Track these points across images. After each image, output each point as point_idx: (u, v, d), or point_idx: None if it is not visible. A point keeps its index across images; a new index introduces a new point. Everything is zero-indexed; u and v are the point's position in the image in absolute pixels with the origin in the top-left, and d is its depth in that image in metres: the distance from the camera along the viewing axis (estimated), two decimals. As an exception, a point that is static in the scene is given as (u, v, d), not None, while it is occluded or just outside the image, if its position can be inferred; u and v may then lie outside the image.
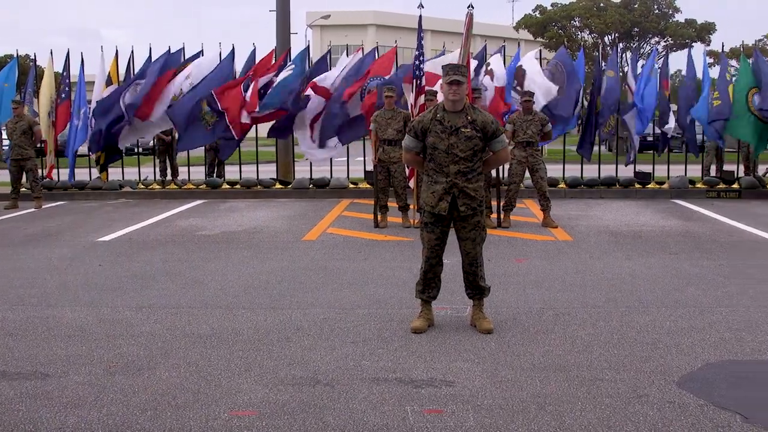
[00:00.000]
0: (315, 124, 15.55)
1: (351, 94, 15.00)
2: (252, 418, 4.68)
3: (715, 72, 17.74)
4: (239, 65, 16.74)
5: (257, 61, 16.49)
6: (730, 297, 7.56)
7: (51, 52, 17.36)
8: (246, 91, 15.44)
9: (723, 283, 8.13)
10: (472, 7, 11.81)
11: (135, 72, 16.98)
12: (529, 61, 15.71)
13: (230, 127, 15.52)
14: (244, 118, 15.49)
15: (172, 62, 16.54)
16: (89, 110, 16.35)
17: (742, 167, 17.57)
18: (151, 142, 18.56)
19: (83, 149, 17.33)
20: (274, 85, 15.58)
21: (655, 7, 42.54)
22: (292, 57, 16.70)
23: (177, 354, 5.95)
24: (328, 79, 15.53)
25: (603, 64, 16.88)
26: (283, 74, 15.61)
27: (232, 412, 4.78)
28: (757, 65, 15.49)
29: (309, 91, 15.36)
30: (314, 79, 15.45)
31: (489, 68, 15.28)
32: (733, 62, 16.76)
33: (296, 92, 15.44)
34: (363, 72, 15.42)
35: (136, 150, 17.51)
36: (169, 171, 18.48)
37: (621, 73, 17.63)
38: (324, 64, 16.59)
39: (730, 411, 4.69)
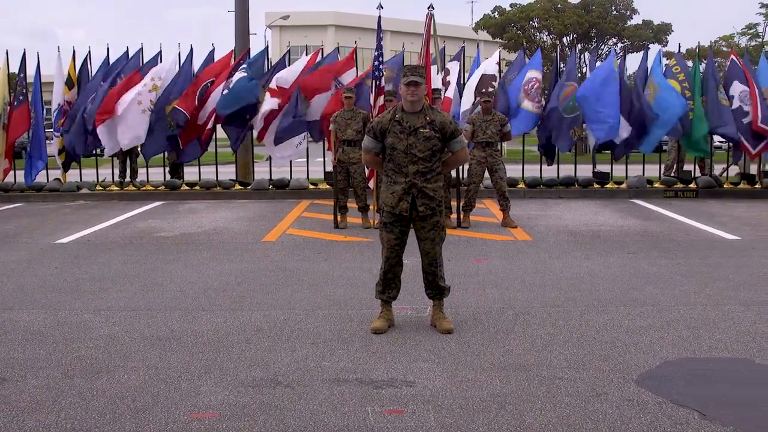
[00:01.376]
0: (270, 125, 15.45)
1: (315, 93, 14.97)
2: (212, 421, 4.65)
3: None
4: (197, 65, 16.63)
5: (216, 61, 16.43)
6: (687, 295, 7.65)
7: (7, 53, 17.15)
8: (201, 96, 15.45)
9: (681, 282, 8.23)
10: (432, 8, 11.88)
11: (92, 73, 16.83)
12: (490, 65, 15.77)
13: (178, 136, 15.55)
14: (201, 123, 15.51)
15: (131, 67, 16.44)
16: (44, 112, 16.18)
17: (698, 167, 17.76)
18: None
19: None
20: (225, 92, 15.46)
21: (613, 8, 42.84)
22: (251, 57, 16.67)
23: (136, 357, 5.89)
24: (286, 79, 15.45)
25: (561, 65, 16.95)
26: (236, 78, 15.46)
27: (192, 415, 4.75)
28: (708, 69, 15.75)
29: (266, 97, 15.30)
30: (271, 84, 15.38)
31: (447, 78, 15.39)
32: (689, 63, 16.99)
33: (251, 105, 15.46)
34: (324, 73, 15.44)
35: (93, 151, 17.21)
36: (128, 172, 18.29)
37: (579, 74, 17.67)
38: (282, 66, 16.50)
39: (688, 408, 4.74)
